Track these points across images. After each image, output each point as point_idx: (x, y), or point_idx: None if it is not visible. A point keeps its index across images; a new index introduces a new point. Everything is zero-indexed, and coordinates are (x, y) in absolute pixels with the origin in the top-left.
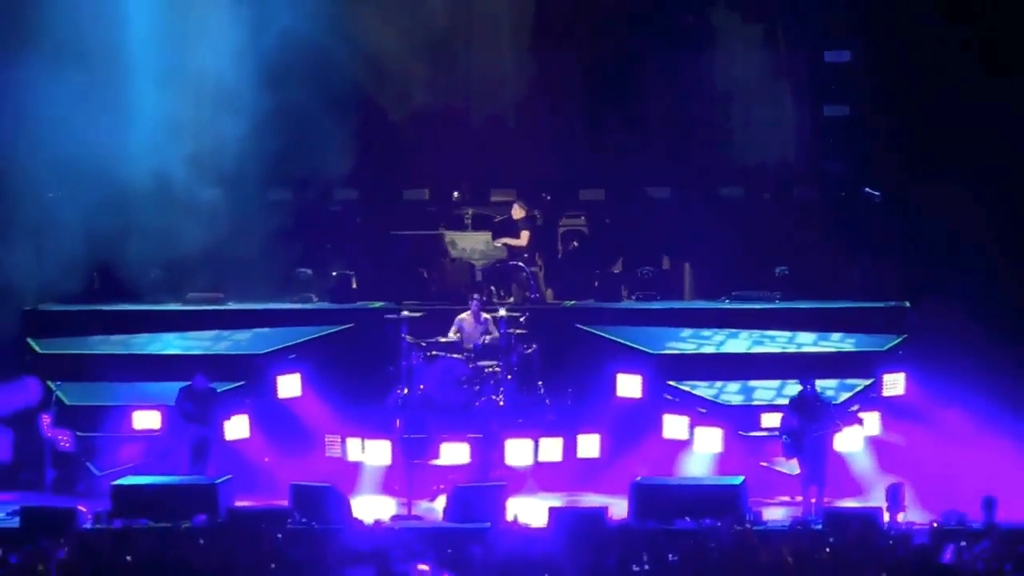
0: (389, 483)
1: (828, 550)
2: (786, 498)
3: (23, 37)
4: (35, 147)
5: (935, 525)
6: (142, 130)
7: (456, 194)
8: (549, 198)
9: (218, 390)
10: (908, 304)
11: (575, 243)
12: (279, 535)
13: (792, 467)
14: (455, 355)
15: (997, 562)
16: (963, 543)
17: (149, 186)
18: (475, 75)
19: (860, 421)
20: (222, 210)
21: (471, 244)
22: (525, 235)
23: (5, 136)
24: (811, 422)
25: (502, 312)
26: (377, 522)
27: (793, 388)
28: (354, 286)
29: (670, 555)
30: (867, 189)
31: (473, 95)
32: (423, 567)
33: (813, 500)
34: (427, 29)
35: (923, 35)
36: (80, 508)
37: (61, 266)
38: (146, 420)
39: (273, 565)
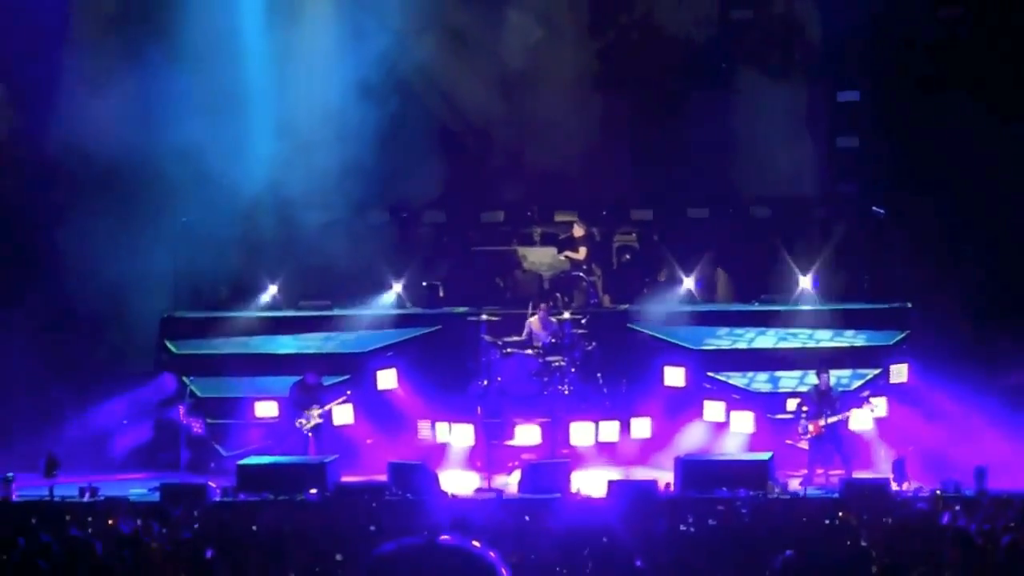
0: (472, 460)
1: (843, 513)
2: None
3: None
4: (175, 180)
5: (935, 492)
6: (263, 161)
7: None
8: (605, 214)
9: (324, 384)
10: (910, 305)
11: (627, 256)
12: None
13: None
14: (527, 351)
15: (989, 522)
16: (958, 507)
17: (270, 210)
18: (542, 114)
19: (869, 403)
20: (331, 230)
21: (539, 258)
22: (583, 250)
23: (151, 162)
24: (826, 408)
25: (566, 315)
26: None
27: (813, 378)
28: (441, 294)
29: (710, 520)
30: (874, 208)
31: (540, 131)
32: (475, 543)
33: (820, 471)
34: (503, 75)
35: (918, 77)
36: (210, 484)
37: (193, 279)
38: (265, 409)
39: (372, 528)
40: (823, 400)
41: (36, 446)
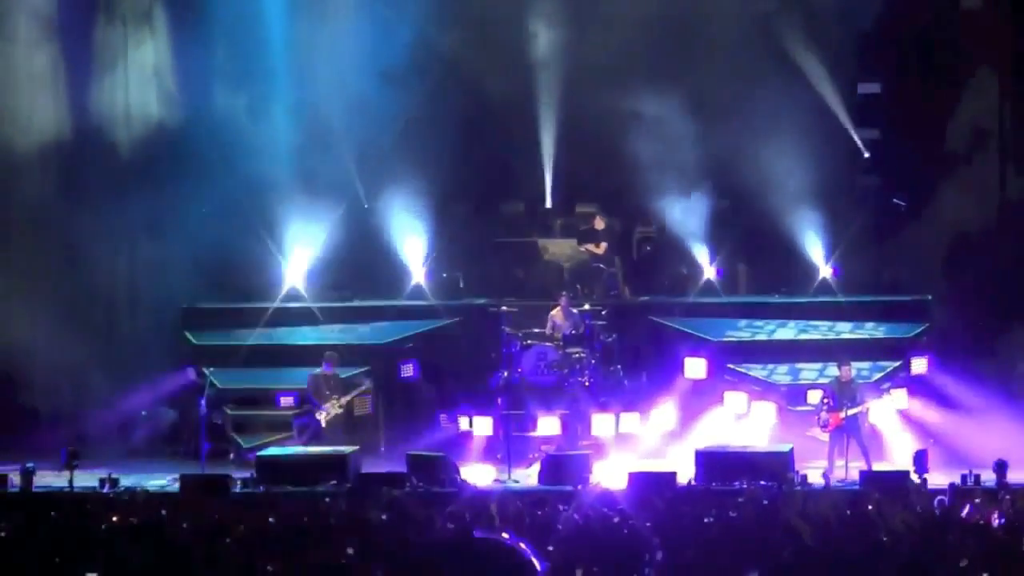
0: (492, 452)
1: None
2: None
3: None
4: (194, 167)
5: (955, 485)
6: (285, 148)
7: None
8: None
9: (342, 375)
10: (930, 297)
11: (648, 247)
12: (397, 495)
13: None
14: (547, 343)
15: (1009, 515)
16: (978, 500)
17: (292, 198)
18: (562, 107)
19: (889, 395)
20: (352, 222)
21: (560, 249)
22: (603, 245)
23: (170, 150)
24: (847, 400)
25: (586, 306)
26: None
27: (833, 370)
28: (461, 285)
29: (730, 512)
30: (895, 199)
31: (561, 123)
32: (504, 535)
33: (840, 463)
34: (525, 66)
35: (937, 70)
36: (230, 475)
37: (213, 269)
38: (285, 401)
39: (384, 516)
40: (844, 392)
41: (58, 436)
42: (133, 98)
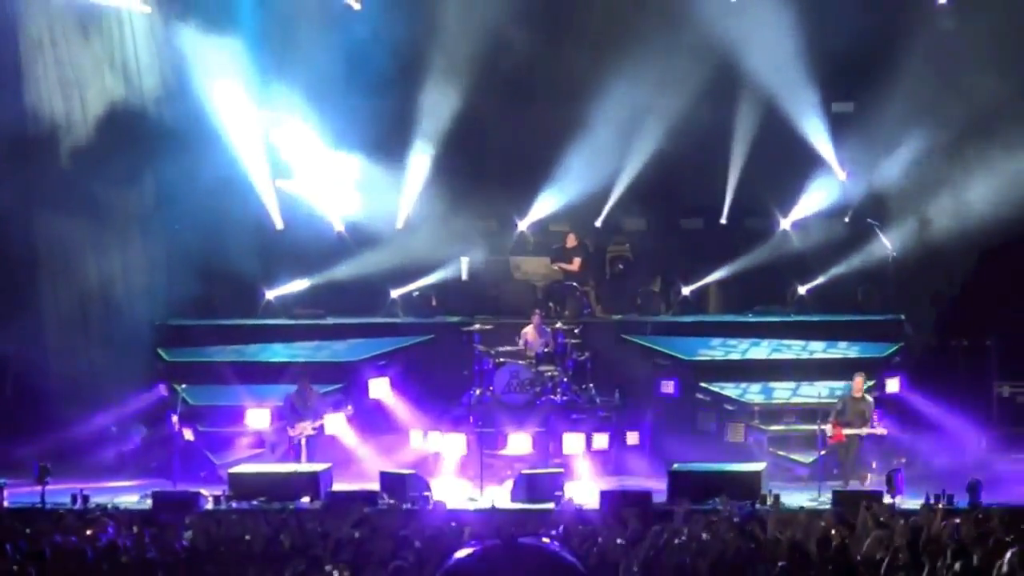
0: (464, 470)
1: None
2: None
3: None
4: (172, 183)
5: (928, 505)
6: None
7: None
8: (598, 225)
9: (321, 392)
10: (903, 317)
11: (620, 266)
12: (369, 512)
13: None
14: (520, 361)
15: (981, 536)
16: (954, 520)
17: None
18: (538, 122)
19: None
20: (323, 242)
21: (533, 267)
22: (577, 261)
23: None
24: (854, 417)
25: (559, 325)
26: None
27: (806, 389)
28: (434, 303)
29: (703, 532)
30: (869, 220)
31: (537, 142)
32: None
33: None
34: (498, 82)
35: (908, 91)
36: (202, 492)
37: (186, 286)
38: (258, 417)
39: (357, 534)
40: (852, 408)
41: (30, 452)
42: (96, 100)
